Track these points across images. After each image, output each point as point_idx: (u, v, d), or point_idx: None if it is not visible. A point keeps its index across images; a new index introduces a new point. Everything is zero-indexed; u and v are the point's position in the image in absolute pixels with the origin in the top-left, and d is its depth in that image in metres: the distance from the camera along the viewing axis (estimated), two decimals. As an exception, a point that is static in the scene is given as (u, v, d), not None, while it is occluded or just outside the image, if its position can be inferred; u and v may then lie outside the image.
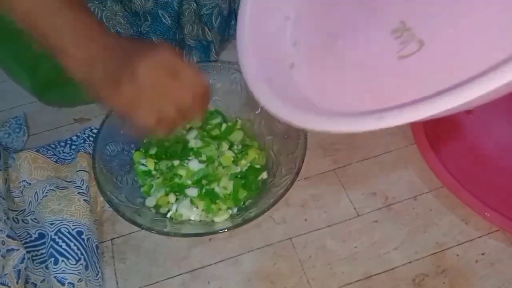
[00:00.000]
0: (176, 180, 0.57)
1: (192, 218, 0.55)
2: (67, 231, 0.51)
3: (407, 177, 0.60)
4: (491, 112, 0.66)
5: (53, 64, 0.62)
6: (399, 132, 0.65)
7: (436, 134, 0.63)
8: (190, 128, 0.62)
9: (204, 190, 0.56)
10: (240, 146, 0.61)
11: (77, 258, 0.50)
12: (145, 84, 0.39)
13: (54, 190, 0.55)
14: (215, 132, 0.62)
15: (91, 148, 0.61)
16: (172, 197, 0.56)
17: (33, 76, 0.64)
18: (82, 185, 0.56)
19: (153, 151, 0.60)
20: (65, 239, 0.50)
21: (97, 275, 0.52)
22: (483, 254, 0.53)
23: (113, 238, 0.56)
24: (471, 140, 0.63)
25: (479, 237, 0.54)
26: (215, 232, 0.51)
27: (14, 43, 0.60)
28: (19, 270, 0.49)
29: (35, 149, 0.60)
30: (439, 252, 0.53)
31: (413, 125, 0.59)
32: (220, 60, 0.70)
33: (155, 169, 0.59)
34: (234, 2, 0.69)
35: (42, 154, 0.60)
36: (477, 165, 0.60)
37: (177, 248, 0.55)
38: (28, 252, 0.51)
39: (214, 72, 0.63)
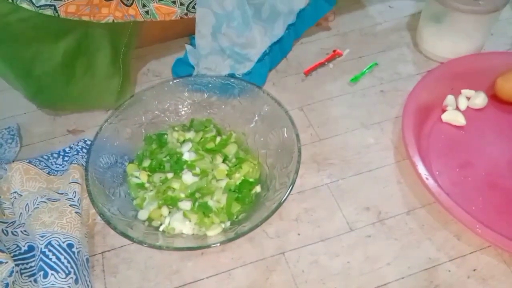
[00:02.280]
0: (169, 193, 0.57)
1: (184, 231, 0.55)
2: (58, 243, 0.50)
3: (400, 192, 0.60)
4: (483, 129, 0.67)
5: (46, 69, 0.63)
6: (392, 148, 0.65)
7: (428, 150, 0.64)
8: (184, 141, 0.63)
9: (197, 204, 0.56)
10: (234, 160, 0.61)
11: (67, 272, 0.49)
12: None
13: (46, 202, 0.54)
14: (210, 145, 0.62)
15: (84, 160, 0.61)
16: (165, 210, 0.56)
17: (26, 81, 0.64)
18: (74, 197, 0.55)
19: (146, 163, 0.60)
20: (56, 252, 0.50)
21: (87, 289, 0.51)
22: (475, 270, 0.53)
23: (104, 252, 0.56)
24: (463, 156, 0.63)
25: (471, 253, 0.54)
26: (208, 246, 0.51)
27: (7, 48, 0.60)
28: (7, 284, 0.48)
29: (28, 160, 0.60)
30: (431, 267, 0.53)
31: (406, 141, 0.60)
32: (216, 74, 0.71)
33: (148, 182, 0.59)
34: None
35: (35, 166, 0.60)
36: (469, 181, 0.60)
37: (169, 262, 0.55)
38: (16, 265, 0.50)
39: (210, 85, 0.64)
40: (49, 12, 0.57)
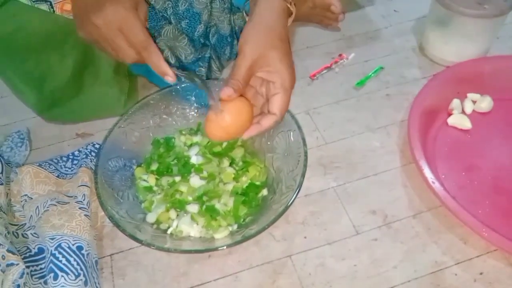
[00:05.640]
0: (177, 196, 0.57)
1: (192, 234, 0.55)
2: (68, 246, 0.51)
3: (406, 196, 0.60)
4: (489, 132, 0.67)
5: (58, 83, 0.64)
6: (398, 151, 0.65)
7: (434, 154, 0.64)
8: (192, 144, 0.63)
9: (204, 207, 0.56)
10: (241, 163, 0.61)
11: (76, 274, 0.50)
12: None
13: (55, 205, 0.55)
14: (217, 148, 0.62)
15: (93, 163, 0.62)
16: (172, 213, 0.56)
17: (39, 94, 0.65)
18: (83, 200, 0.56)
19: (154, 167, 0.61)
20: (65, 254, 0.50)
21: (96, 291, 0.51)
22: (481, 273, 0.53)
23: (112, 254, 0.56)
24: (469, 160, 0.63)
25: (478, 256, 0.54)
26: (215, 249, 0.51)
27: (22, 62, 0.62)
28: (18, 285, 0.48)
29: (37, 164, 0.61)
30: (438, 271, 0.53)
31: (412, 145, 0.60)
32: (224, 78, 0.71)
33: (156, 185, 0.60)
34: (234, 24, 0.71)
35: (44, 169, 0.60)
36: (475, 185, 0.61)
37: (176, 264, 0.55)
38: (27, 267, 0.51)
39: (217, 89, 0.64)
40: (44, 7, 0.58)
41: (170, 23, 0.64)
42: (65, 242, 0.51)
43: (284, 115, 0.50)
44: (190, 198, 0.57)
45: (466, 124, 0.67)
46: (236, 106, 0.49)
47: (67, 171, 0.63)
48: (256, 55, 0.48)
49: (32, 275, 0.52)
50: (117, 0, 0.49)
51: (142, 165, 0.62)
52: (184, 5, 0.63)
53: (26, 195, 0.58)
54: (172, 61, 0.68)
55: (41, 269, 0.52)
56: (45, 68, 0.62)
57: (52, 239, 0.52)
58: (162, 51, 0.67)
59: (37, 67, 0.62)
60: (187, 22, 0.65)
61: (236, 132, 0.50)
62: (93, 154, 0.64)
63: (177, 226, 0.55)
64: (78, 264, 0.50)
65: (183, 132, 0.65)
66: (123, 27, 0.49)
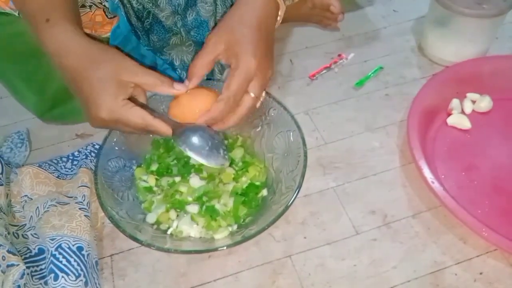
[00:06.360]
0: (177, 196, 0.58)
1: (192, 234, 0.55)
2: (68, 246, 0.51)
3: (405, 196, 0.60)
4: (488, 132, 0.67)
5: (60, 84, 0.64)
6: (398, 151, 0.65)
7: (434, 154, 0.64)
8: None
9: (204, 207, 0.56)
10: (240, 163, 0.61)
11: (77, 274, 0.50)
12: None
13: (56, 206, 0.55)
14: (216, 149, 0.62)
15: (93, 163, 0.62)
16: (172, 214, 0.56)
17: (40, 96, 0.65)
18: (83, 200, 0.56)
19: (154, 167, 0.61)
20: (66, 254, 0.50)
21: (96, 291, 0.51)
22: (481, 273, 0.53)
23: (112, 254, 0.57)
24: (468, 159, 0.63)
25: (477, 256, 0.54)
26: (215, 249, 0.51)
27: (25, 65, 0.62)
28: (19, 286, 0.48)
29: (37, 164, 0.61)
30: (437, 271, 0.53)
31: (411, 145, 0.60)
32: (223, 79, 0.71)
33: (156, 186, 0.60)
34: None
35: (44, 169, 0.60)
36: (475, 185, 0.61)
37: (176, 265, 0.55)
38: (27, 267, 0.51)
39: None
40: None
41: (178, 33, 0.65)
42: (65, 243, 0.51)
43: (232, 100, 0.49)
44: (190, 199, 0.58)
45: (466, 124, 0.67)
46: (200, 93, 0.51)
47: (67, 171, 0.63)
48: (218, 43, 0.49)
49: (32, 276, 0.52)
50: (99, 105, 0.46)
51: (142, 165, 0.62)
52: (192, 15, 0.64)
53: (26, 195, 0.58)
54: (177, 63, 0.68)
55: (41, 269, 0.52)
56: (46, 70, 0.62)
57: (52, 239, 0.52)
58: (168, 54, 0.68)
59: (39, 69, 0.62)
60: (196, 30, 0.65)
61: (192, 117, 0.51)
62: (93, 154, 0.64)
63: (177, 227, 0.55)
64: (78, 264, 0.50)
65: (183, 133, 0.65)
66: (120, 123, 0.48)
